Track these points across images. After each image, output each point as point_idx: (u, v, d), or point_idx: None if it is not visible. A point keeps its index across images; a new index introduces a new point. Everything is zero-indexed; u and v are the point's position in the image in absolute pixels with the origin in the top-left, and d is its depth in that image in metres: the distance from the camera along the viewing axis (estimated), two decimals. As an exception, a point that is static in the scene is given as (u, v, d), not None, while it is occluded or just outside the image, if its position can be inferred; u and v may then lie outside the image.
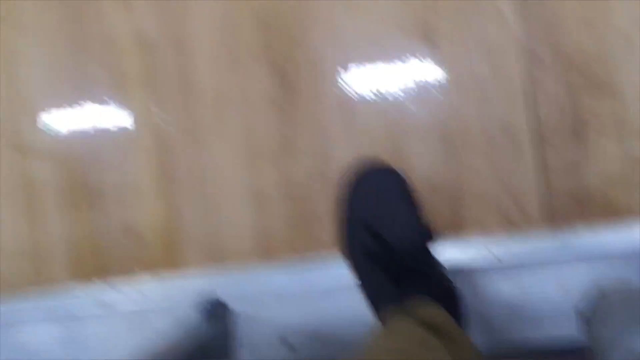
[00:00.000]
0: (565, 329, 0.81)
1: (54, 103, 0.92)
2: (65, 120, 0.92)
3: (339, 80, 0.86)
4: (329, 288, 0.85)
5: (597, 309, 0.77)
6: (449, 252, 0.83)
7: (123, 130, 0.91)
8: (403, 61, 0.85)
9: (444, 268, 0.80)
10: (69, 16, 0.91)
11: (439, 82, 0.85)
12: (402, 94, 0.86)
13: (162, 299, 0.88)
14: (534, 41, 0.83)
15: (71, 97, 0.92)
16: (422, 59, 0.85)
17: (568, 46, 0.82)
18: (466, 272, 0.82)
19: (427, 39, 0.85)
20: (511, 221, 0.83)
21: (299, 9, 0.86)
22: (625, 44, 0.81)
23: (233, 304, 0.86)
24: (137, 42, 0.90)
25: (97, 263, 0.92)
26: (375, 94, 0.86)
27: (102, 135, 0.92)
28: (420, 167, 0.85)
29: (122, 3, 0.90)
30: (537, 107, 0.83)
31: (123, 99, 0.91)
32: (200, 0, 0.88)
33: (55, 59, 0.91)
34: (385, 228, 0.78)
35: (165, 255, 0.91)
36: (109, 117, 0.91)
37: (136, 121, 0.91)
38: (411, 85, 0.85)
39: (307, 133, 0.87)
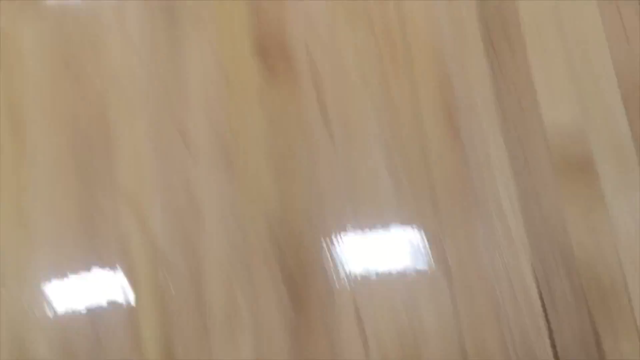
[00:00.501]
0: None
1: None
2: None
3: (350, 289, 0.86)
4: None
5: None
6: None
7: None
8: (415, 271, 0.86)
9: None
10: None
11: (451, 289, 0.85)
12: (413, 303, 0.85)
13: None
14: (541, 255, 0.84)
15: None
16: (434, 269, 0.85)
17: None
18: None
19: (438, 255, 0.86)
20: None
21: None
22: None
23: None
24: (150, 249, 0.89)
25: None
26: (386, 302, 0.85)
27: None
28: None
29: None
30: (551, 322, 0.84)
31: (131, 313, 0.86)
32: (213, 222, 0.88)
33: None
34: None
35: None
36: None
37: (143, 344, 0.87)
38: (423, 292, 0.85)
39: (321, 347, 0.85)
